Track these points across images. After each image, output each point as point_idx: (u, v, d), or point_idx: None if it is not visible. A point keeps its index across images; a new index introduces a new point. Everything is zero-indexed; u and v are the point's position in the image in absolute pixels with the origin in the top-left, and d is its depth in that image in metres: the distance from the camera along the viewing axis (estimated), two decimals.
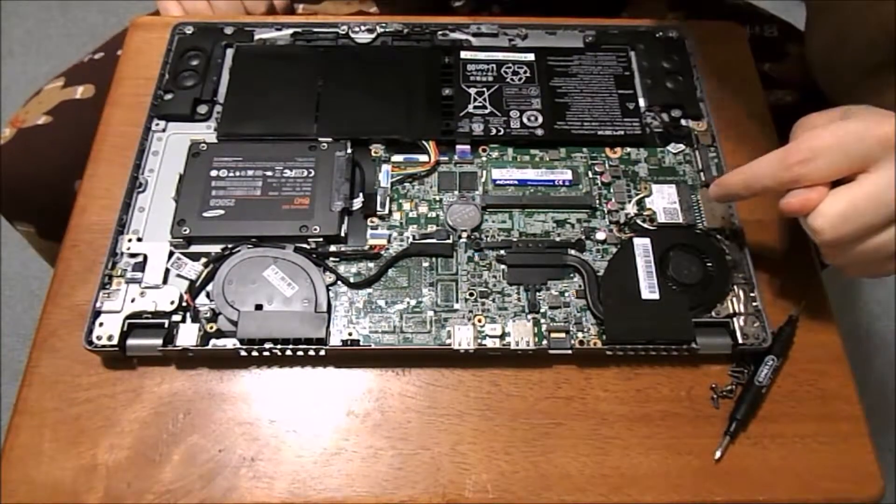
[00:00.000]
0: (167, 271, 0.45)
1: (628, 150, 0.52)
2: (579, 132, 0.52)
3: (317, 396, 0.44)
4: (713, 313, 0.45)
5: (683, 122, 0.53)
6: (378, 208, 0.48)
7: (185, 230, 0.46)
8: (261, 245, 0.46)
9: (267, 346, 0.43)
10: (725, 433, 0.42)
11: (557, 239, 0.48)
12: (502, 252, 0.47)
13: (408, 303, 0.45)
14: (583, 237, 0.48)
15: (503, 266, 0.47)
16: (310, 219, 0.47)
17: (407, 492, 0.41)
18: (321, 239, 0.47)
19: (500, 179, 0.50)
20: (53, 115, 0.61)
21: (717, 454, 0.42)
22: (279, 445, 0.42)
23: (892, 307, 1.14)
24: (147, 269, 0.45)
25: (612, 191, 0.50)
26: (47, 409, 0.42)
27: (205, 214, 0.47)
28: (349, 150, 0.50)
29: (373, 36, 0.56)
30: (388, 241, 0.47)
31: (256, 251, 0.46)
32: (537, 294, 0.46)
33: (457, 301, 0.46)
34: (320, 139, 0.50)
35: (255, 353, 0.44)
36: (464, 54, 0.55)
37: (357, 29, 0.56)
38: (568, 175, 0.50)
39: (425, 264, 0.47)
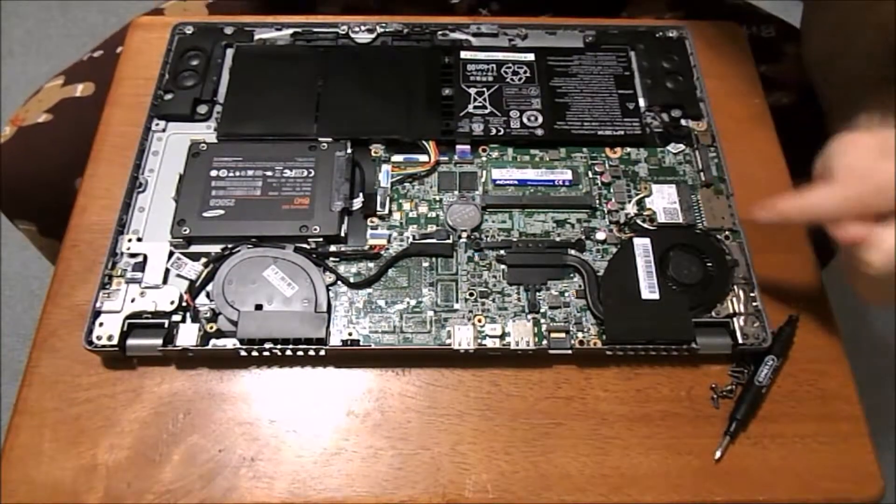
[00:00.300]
0: (167, 271, 0.45)
1: (628, 150, 0.52)
2: (579, 132, 0.52)
3: (317, 396, 0.44)
4: (713, 313, 0.45)
5: (683, 122, 0.53)
6: (378, 208, 0.48)
7: (185, 230, 0.46)
8: (261, 245, 0.46)
9: (267, 346, 0.43)
10: (725, 433, 0.42)
11: (557, 239, 0.48)
12: (502, 252, 0.47)
13: (408, 303, 0.45)
14: (583, 237, 0.48)
15: (503, 266, 0.47)
16: (310, 219, 0.47)
17: (407, 492, 0.41)
18: (321, 239, 0.47)
19: (500, 179, 0.50)
20: (53, 113, 0.61)
21: (717, 454, 0.42)
22: (279, 445, 0.42)
23: (893, 307, 1.14)
24: (147, 269, 0.45)
25: (612, 191, 0.50)
26: (47, 409, 0.42)
27: (205, 214, 0.47)
28: (349, 150, 0.50)
29: (373, 36, 0.56)
30: (388, 241, 0.47)
31: (256, 251, 0.46)
32: (537, 294, 0.46)
33: (457, 301, 0.46)
34: (320, 139, 0.50)
35: (255, 353, 0.44)
36: (464, 54, 0.55)
37: (357, 29, 0.56)
38: (568, 175, 0.50)
39: (425, 264, 0.47)
